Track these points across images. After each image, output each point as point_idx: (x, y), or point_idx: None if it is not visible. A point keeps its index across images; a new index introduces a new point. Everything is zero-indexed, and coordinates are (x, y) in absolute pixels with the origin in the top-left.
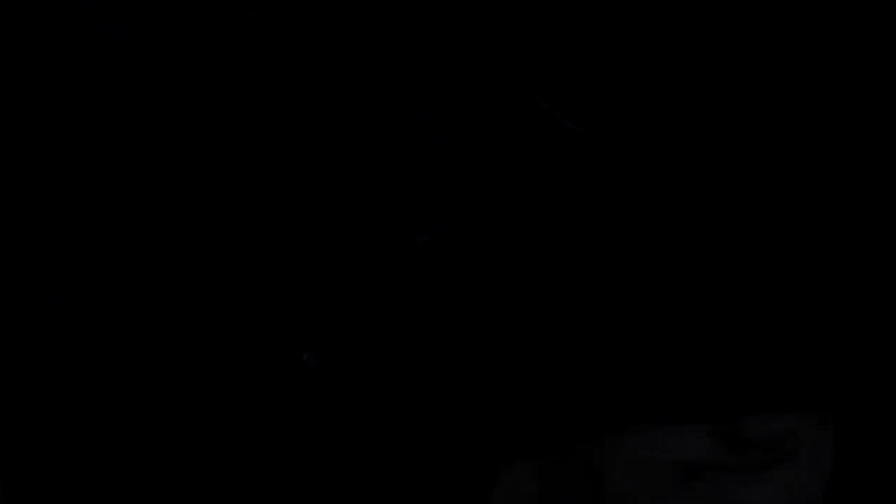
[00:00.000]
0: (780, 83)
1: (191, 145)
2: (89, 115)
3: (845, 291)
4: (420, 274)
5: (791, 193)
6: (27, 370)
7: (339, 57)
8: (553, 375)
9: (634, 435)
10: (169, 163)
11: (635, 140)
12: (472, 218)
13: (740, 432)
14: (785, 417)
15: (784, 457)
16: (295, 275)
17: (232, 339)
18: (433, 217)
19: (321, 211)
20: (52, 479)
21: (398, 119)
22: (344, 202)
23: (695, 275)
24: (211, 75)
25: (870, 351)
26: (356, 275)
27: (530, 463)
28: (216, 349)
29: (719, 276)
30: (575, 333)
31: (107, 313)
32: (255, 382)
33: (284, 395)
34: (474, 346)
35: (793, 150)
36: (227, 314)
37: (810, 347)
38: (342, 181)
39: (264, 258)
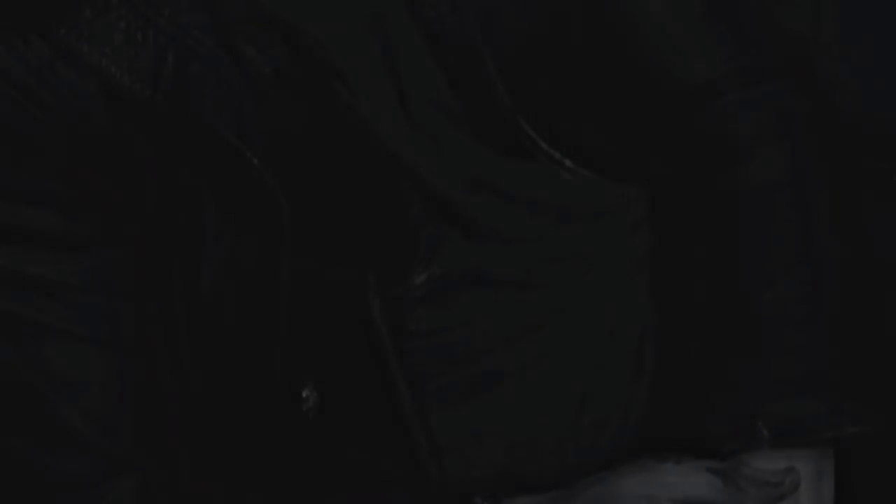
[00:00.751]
0: None
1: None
2: None
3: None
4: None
5: None
6: None
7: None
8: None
9: (635, 472)
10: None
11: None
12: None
13: (740, 469)
14: (784, 454)
15: (785, 493)
16: (296, 318)
17: (241, 377)
18: (431, 257)
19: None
20: None
21: (398, 160)
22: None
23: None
24: None
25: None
26: (353, 317)
27: (533, 499)
28: (227, 386)
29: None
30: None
31: (117, 347)
32: (260, 416)
33: (287, 428)
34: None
35: None
36: (236, 355)
37: (804, 378)
38: (339, 224)
39: (269, 305)
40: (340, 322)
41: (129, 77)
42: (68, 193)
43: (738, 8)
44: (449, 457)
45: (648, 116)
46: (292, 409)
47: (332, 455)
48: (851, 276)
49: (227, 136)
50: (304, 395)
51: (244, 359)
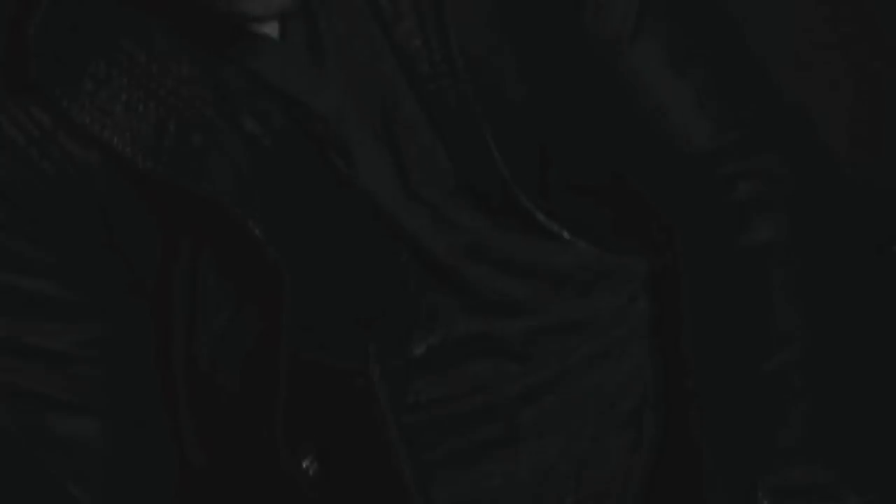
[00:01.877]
0: None
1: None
2: None
3: None
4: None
5: None
6: None
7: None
8: None
9: None
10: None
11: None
12: (466, 327)
13: None
14: None
15: None
16: (296, 388)
17: (241, 446)
18: (430, 327)
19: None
20: None
21: (398, 229)
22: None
23: None
24: None
25: None
26: (353, 387)
27: None
28: (227, 456)
29: None
30: None
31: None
32: (260, 486)
33: (287, 497)
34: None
35: None
36: (236, 425)
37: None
38: (338, 293)
39: (269, 375)
40: (341, 392)
41: (130, 148)
42: (69, 263)
43: (738, 78)
44: None
45: (646, 185)
46: (293, 479)
47: None
48: (850, 344)
49: (227, 207)
50: (304, 465)
51: (244, 428)
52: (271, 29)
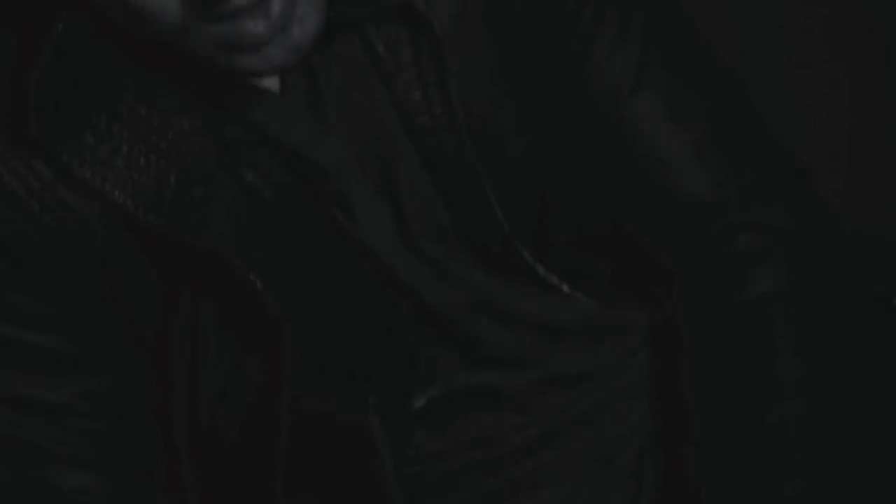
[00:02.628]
0: None
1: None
2: None
3: None
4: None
5: None
6: None
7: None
8: None
9: None
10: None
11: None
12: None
13: None
14: None
15: None
16: (297, 441)
17: (241, 499)
18: (430, 379)
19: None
20: None
21: (398, 282)
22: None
23: None
24: None
25: None
26: (354, 439)
27: None
28: None
29: None
30: None
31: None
32: None
33: None
34: None
35: None
36: (236, 478)
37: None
38: (338, 345)
39: (270, 428)
40: (341, 443)
41: (131, 201)
42: (69, 316)
43: (738, 130)
44: None
45: (646, 236)
46: None
47: None
48: (852, 396)
49: (229, 259)
50: None
51: (244, 480)
52: (271, 83)
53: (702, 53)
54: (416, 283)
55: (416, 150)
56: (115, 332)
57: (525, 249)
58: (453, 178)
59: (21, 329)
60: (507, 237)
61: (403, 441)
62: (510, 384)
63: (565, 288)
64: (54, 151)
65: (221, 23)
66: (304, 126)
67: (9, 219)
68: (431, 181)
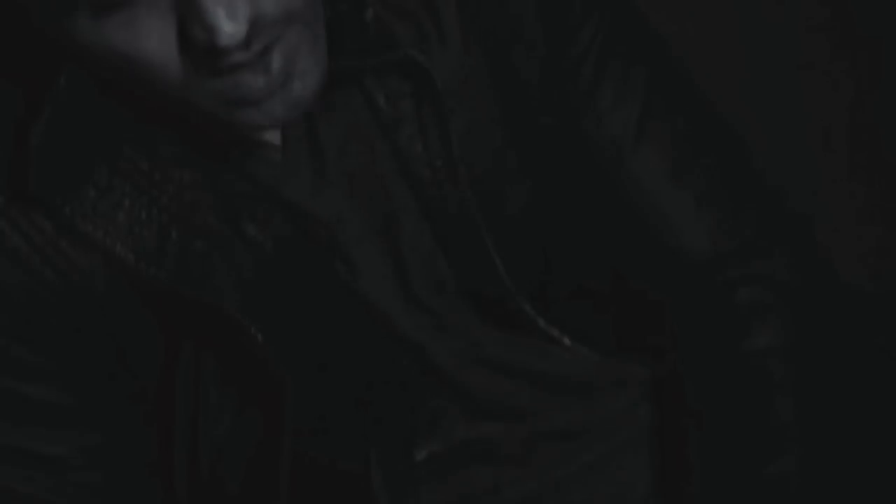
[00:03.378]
0: None
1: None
2: None
3: None
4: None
5: None
6: None
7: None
8: None
9: None
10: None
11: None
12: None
13: None
14: None
15: None
16: (297, 494)
17: None
18: (432, 432)
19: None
20: None
21: (398, 336)
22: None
23: None
24: None
25: None
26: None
27: None
28: None
29: None
30: None
31: None
32: None
33: None
34: None
35: None
36: None
37: None
38: (339, 398)
39: (270, 481)
40: (341, 496)
41: (133, 255)
42: (69, 370)
43: (738, 185)
44: None
45: (647, 290)
46: None
47: None
48: (853, 450)
49: (230, 313)
50: None
51: None
52: (272, 136)
53: (702, 108)
54: (417, 336)
55: (416, 204)
56: (117, 386)
57: (526, 303)
58: (454, 232)
59: (22, 382)
60: (507, 290)
61: (405, 494)
62: (510, 437)
63: (566, 341)
64: (56, 205)
65: (222, 78)
66: (305, 179)
67: (10, 272)
68: (432, 234)
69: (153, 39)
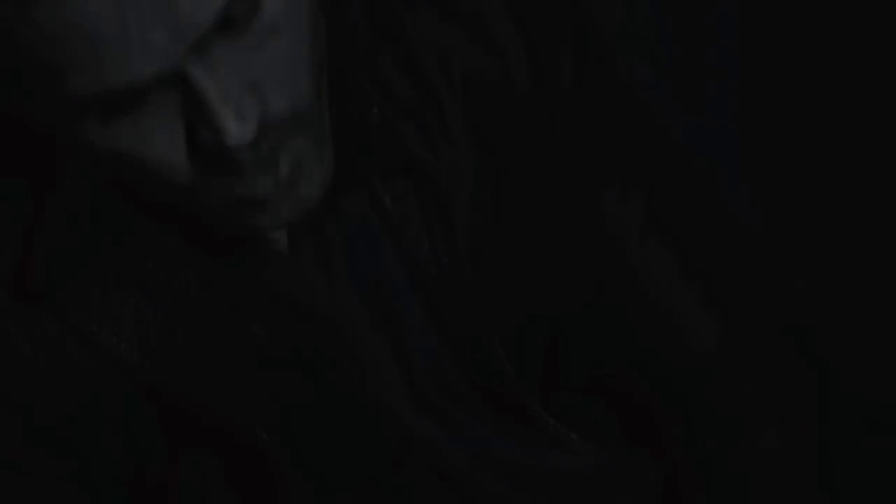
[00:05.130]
0: None
1: None
2: None
3: None
4: None
5: None
6: None
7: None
8: None
9: None
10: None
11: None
12: None
13: None
14: None
15: None
16: None
17: None
18: None
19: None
20: None
21: (406, 437)
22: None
23: None
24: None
25: None
26: None
27: None
28: None
29: None
30: None
31: None
32: None
33: None
34: None
35: None
36: None
37: None
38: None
39: None
40: None
41: (138, 355)
42: (71, 470)
43: (744, 282)
44: None
45: (654, 384)
46: None
47: None
48: None
49: (235, 415)
50: None
51: None
52: (279, 235)
53: (707, 204)
54: (424, 436)
55: (422, 303)
56: (117, 486)
57: (533, 398)
58: (460, 330)
59: (21, 482)
60: (514, 387)
61: None
62: None
63: (574, 436)
64: (60, 304)
65: (230, 178)
66: (311, 280)
67: (14, 374)
68: (438, 333)
69: (161, 141)
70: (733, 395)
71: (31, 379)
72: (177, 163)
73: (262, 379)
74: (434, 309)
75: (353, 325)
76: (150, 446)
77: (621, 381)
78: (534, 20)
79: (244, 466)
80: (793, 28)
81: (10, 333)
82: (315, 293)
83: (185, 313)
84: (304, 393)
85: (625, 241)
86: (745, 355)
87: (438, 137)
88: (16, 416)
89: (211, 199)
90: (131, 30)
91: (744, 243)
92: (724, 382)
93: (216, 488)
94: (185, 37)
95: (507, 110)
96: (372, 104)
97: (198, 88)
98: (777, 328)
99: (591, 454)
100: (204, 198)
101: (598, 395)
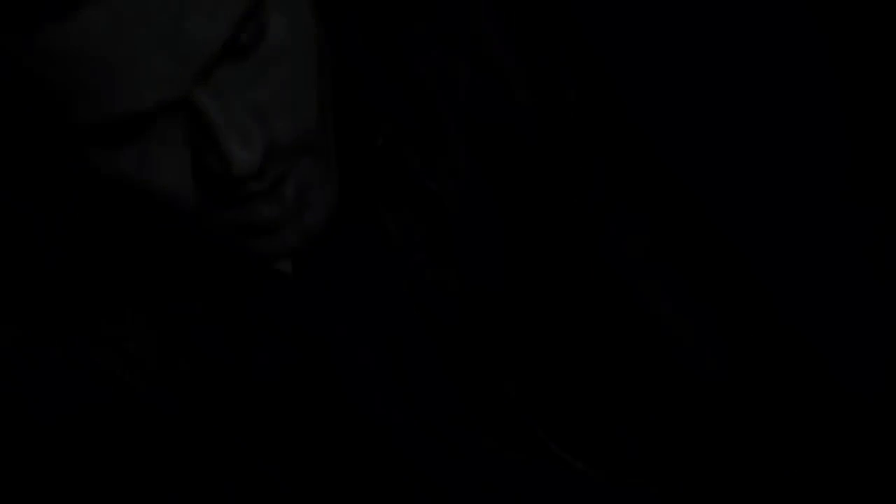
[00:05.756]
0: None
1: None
2: None
3: None
4: None
5: None
6: None
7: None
8: None
9: None
10: None
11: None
12: None
13: None
14: None
15: None
16: None
17: None
18: None
19: None
20: None
21: (409, 463)
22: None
23: None
24: None
25: None
26: None
27: None
28: None
29: None
30: None
31: None
32: None
33: None
34: None
35: None
36: None
37: None
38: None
39: None
40: None
41: (143, 384)
42: (78, 497)
43: (748, 312)
44: None
45: (660, 414)
46: None
47: None
48: None
49: (238, 441)
50: None
51: None
52: (284, 264)
53: (710, 235)
54: (426, 463)
55: (425, 328)
56: None
57: (537, 424)
58: (464, 357)
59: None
60: (517, 412)
61: None
62: None
63: (579, 465)
64: (66, 334)
65: (236, 207)
66: (316, 308)
67: (17, 399)
68: (441, 360)
69: (167, 168)
70: (738, 420)
71: (35, 412)
72: (182, 189)
73: (266, 405)
74: (438, 335)
75: (356, 351)
76: (156, 476)
77: (625, 407)
78: (534, 41)
79: (251, 494)
80: (794, 31)
81: (17, 366)
82: (319, 319)
83: (189, 343)
84: (307, 419)
85: (628, 272)
86: (753, 378)
87: (443, 165)
88: (21, 442)
89: (216, 226)
90: (137, 58)
91: (745, 265)
92: (728, 408)
93: None
94: (191, 64)
95: (511, 135)
96: (377, 133)
97: (204, 115)
98: (777, 355)
99: (594, 481)
100: (209, 224)
101: (602, 422)
